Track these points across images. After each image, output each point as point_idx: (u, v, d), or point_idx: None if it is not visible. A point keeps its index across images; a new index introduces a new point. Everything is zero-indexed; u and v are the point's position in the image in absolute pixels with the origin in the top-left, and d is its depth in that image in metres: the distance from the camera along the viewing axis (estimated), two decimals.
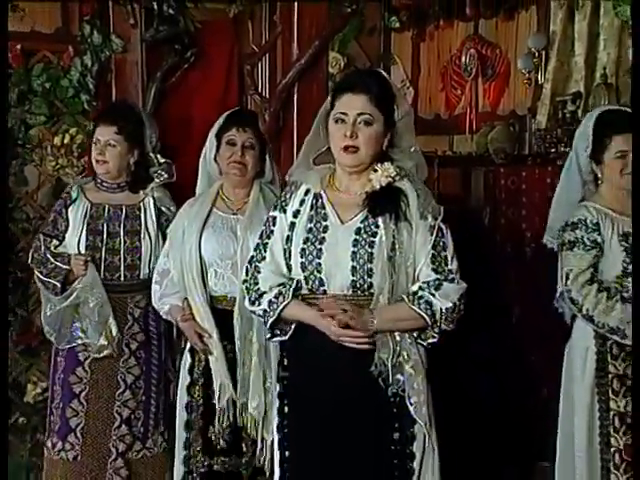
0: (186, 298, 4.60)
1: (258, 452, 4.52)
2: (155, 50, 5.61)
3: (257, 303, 3.57)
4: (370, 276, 3.42)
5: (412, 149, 3.61)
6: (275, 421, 3.61)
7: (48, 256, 4.85)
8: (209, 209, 4.61)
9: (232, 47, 5.75)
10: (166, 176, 5.01)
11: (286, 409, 3.55)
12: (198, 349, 4.59)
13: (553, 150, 5.97)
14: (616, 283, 4.30)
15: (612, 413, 4.34)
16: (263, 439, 4.50)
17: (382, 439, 3.45)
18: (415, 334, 3.46)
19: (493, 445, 5.30)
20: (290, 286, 3.49)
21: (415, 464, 3.47)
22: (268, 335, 3.62)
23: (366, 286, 3.43)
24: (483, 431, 5.27)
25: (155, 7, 5.51)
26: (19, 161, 5.71)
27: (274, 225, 3.58)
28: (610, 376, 4.34)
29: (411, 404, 3.44)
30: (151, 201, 4.95)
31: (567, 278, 4.34)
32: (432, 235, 3.47)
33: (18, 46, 5.69)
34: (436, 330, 3.44)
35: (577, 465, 4.40)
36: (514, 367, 5.37)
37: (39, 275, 4.90)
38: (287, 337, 3.54)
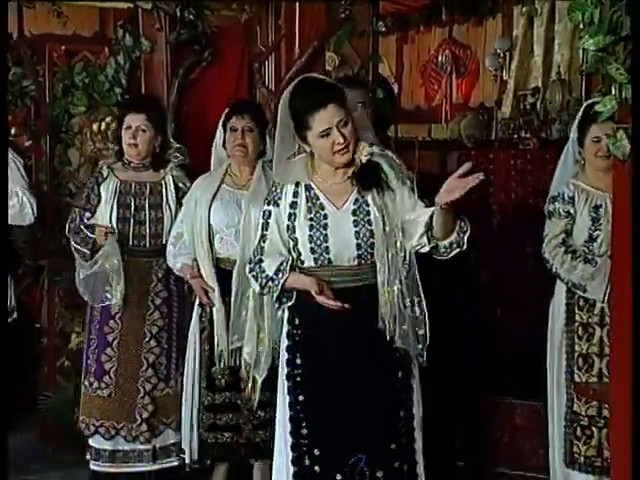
0: (195, 258, 4.65)
1: (248, 389, 4.51)
2: (178, 51, 5.59)
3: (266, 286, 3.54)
4: (372, 248, 3.41)
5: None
6: (285, 370, 3.54)
7: (81, 227, 4.84)
8: (218, 184, 4.65)
9: (243, 48, 5.74)
10: (181, 158, 5.01)
11: (298, 360, 3.50)
12: (203, 302, 4.66)
13: (515, 136, 6.00)
14: (583, 247, 4.36)
15: (576, 354, 4.38)
16: (254, 379, 4.49)
17: (389, 378, 3.45)
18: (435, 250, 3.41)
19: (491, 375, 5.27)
20: (287, 262, 3.46)
21: (413, 396, 3.48)
22: (277, 305, 3.58)
23: (369, 257, 3.42)
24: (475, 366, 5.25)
25: (178, 14, 5.49)
26: (63, 145, 5.71)
27: (269, 218, 3.51)
28: (576, 324, 4.39)
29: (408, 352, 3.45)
30: (171, 179, 4.94)
31: (544, 241, 4.40)
32: (414, 193, 3.45)
33: (62, 47, 5.72)
34: (462, 238, 3.36)
35: (548, 398, 4.45)
36: (485, 321, 5.37)
37: (73, 243, 4.89)
38: (292, 301, 3.51)
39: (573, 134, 4.49)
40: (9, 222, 4.92)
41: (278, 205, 3.49)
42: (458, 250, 3.39)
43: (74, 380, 5.35)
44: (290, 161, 3.50)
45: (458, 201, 3.17)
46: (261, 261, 3.51)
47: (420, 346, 3.43)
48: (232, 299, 4.48)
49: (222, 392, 4.65)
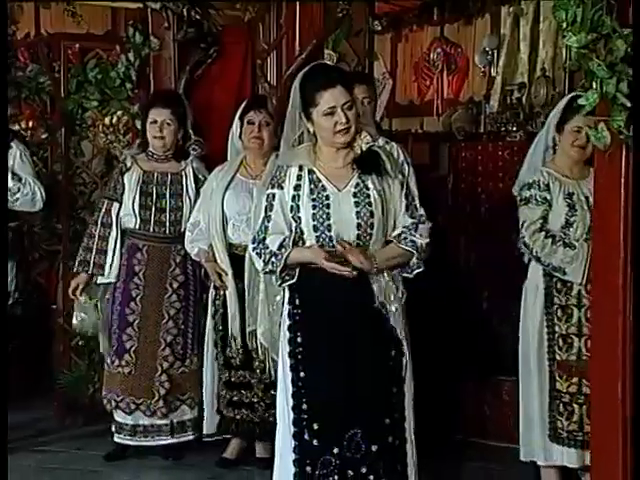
0: (210, 244, 4.68)
1: (267, 368, 4.53)
2: (185, 48, 5.58)
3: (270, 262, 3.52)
4: (372, 228, 3.42)
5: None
6: (287, 349, 3.52)
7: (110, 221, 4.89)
8: (233, 174, 4.69)
9: (246, 45, 5.72)
10: (200, 150, 5.02)
11: (299, 339, 3.48)
12: (217, 285, 4.70)
13: (503, 129, 5.99)
14: (560, 232, 4.32)
15: (556, 335, 4.37)
16: (272, 359, 4.49)
17: (383, 356, 3.44)
18: (402, 270, 3.47)
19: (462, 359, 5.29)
20: (289, 238, 3.46)
21: (404, 374, 3.47)
22: (279, 282, 3.54)
23: (367, 236, 3.42)
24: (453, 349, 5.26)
25: (185, 13, 5.49)
26: (77, 137, 5.67)
27: (273, 200, 3.51)
28: (555, 306, 4.37)
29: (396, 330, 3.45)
30: (191, 170, 4.96)
31: (522, 227, 4.36)
32: (403, 189, 3.48)
33: (76, 45, 5.69)
34: (420, 261, 3.45)
35: (532, 377, 4.44)
36: (471, 299, 5.37)
37: (96, 230, 4.90)
38: (295, 279, 3.49)
39: (552, 121, 4.46)
40: (21, 208, 4.93)
41: (282, 188, 3.48)
42: (418, 270, 3.47)
43: (87, 358, 5.35)
44: (295, 148, 3.51)
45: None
46: (264, 239, 3.50)
47: (396, 336, 3.45)
48: (245, 283, 4.53)
49: (237, 370, 4.70)
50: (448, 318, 5.27)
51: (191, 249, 4.77)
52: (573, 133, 4.30)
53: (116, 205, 4.89)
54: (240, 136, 4.72)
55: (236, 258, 4.61)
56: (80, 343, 5.55)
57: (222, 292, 4.69)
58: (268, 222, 3.51)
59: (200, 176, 4.93)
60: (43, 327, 5.89)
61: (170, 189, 4.90)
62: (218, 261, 4.67)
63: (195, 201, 4.87)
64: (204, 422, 4.84)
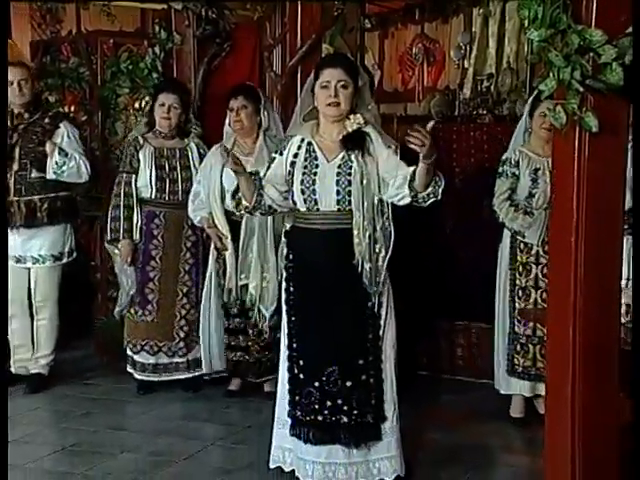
0: (210, 212, 4.68)
1: (256, 317, 4.61)
2: (203, 43, 5.55)
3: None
4: (349, 196, 3.39)
5: (370, 106, 3.55)
6: (283, 297, 3.56)
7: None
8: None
9: (255, 40, 5.68)
10: (199, 130, 5.07)
11: (291, 289, 3.51)
12: (218, 247, 4.70)
13: (474, 113, 5.96)
14: (524, 202, 4.36)
15: (517, 287, 4.40)
16: (259, 309, 4.60)
17: (360, 306, 3.43)
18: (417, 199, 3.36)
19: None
20: (259, 180, 3.48)
21: (381, 322, 3.47)
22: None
23: (346, 204, 3.39)
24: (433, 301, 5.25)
25: (203, 13, 5.46)
26: (111, 119, 5.67)
27: (272, 163, 3.53)
28: (517, 263, 4.43)
29: (378, 281, 3.43)
30: (194, 145, 4.96)
31: (494, 196, 4.39)
32: (396, 154, 3.44)
33: (111, 41, 5.69)
34: (436, 190, 3.33)
35: (499, 321, 4.49)
36: (448, 257, 5.37)
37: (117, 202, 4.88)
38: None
39: (526, 109, 4.49)
40: (69, 180, 4.91)
41: (282, 154, 3.50)
42: (434, 199, 3.37)
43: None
44: (303, 123, 3.52)
45: (436, 159, 3.18)
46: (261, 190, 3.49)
47: (375, 289, 3.42)
48: (240, 244, 4.53)
49: (234, 318, 4.72)
50: (429, 272, 5.27)
51: (194, 217, 4.75)
52: (541, 117, 4.33)
53: (134, 177, 4.85)
54: (230, 123, 4.72)
55: (233, 224, 4.61)
56: (115, 294, 5.56)
57: (221, 253, 4.69)
58: (264, 177, 3.51)
59: (201, 150, 4.93)
60: (85, 280, 5.89)
61: (179, 162, 4.88)
62: (218, 226, 4.66)
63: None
64: (211, 362, 4.82)
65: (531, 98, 4.50)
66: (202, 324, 4.82)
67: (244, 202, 3.50)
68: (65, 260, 5.01)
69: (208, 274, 4.81)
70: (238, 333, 4.71)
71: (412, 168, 3.32)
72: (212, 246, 4.77)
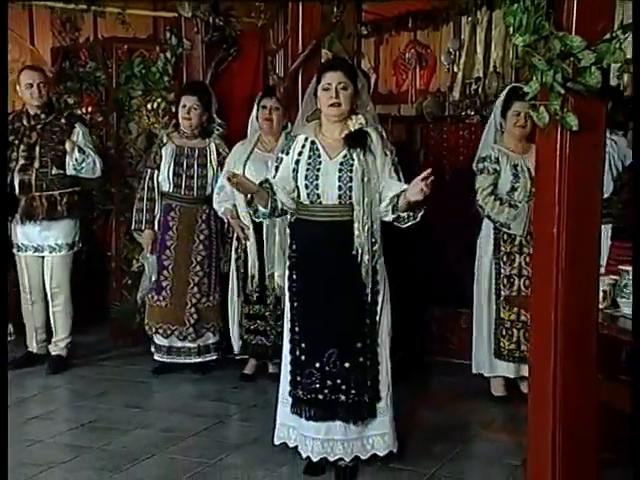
0: (234, 204, 4.66)
1: (282, 304, 4.55)
2: (210, 49, 5.54)
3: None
4: (350, 191, 3.38)
5: (368, 107, 3.55)
6: (287, 284, 3.57)
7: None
8: (252, 148, 4.65)
9: (260, 46, 5.67)
10: (222, 130, 5.03)
11: (294, 277, 3.51)
12: (241, 237, 4.69)
13: (463, 113, 5.96)
14: (506, 195, 4.35)
15: (502, 276, 4.41)
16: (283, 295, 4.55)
17: (358, 293, 3.43)
18: (397, 219, 3.42)
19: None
20: (269, 183, 3.46)
21: (378, 308, 3.47)
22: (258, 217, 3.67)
23: (347, 199, 3.39)
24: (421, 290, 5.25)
25: (211, 21, 5.45)
26: (125, 120, 5.63)
27: (280, 163, 3.51)
28: (501, 253, 4.43)
29: (376, 271, 3.44)
30: (214, 146, 4.94)
31: (477, 192, 4.39)
32: (392, 165, 3.45)
33: (125, 46, 5.65)
34: (413, 216, 3.41)
35: (483, 308, 4.48)
36: (439, 249, 5.36)
37: (142, 195, 4.92)
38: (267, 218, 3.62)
39: (497, 109, 4.47)
40: (84, 175, 4.92)
41: (288, 154, 3.49)
42: (413, 222, 3.41)
43: (134, 294, 5.35)
44: (306, 123, 3.52)
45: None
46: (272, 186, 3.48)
47: (370, 279, 3.42)
48: (264, 235, 4.55)
49: (254, 305, 4.71)
50: (420, 263, 5.28)
51: (219, 208, 4.74)
52: (514, 116, 4.33)
53: (156, 172, 4.89)
54: (257, 118, 4.69)
55: None
56: (129, 282, 5.57)
57: (243, 242, 4.68)
58: (273, 178, 3.50)
59: (221, 150, 4.91)
60: (100, 269, 5.89)
61: (197, 160, 4.88)
62: (241, 218, 4.65)
63: (217, 171, 4.86)
64: (233, 345, 4.85)
65: (500, 100, 4.48)
66: (229, 310, 4.84)
67: (261, 209, 3.48)
68: (76, 248, 5.04)
69: (232, 266, 4.81)
70: (257, 318, 4.71)
71: (398, 190, 3.34)
72: (234, 237, 4.78)
